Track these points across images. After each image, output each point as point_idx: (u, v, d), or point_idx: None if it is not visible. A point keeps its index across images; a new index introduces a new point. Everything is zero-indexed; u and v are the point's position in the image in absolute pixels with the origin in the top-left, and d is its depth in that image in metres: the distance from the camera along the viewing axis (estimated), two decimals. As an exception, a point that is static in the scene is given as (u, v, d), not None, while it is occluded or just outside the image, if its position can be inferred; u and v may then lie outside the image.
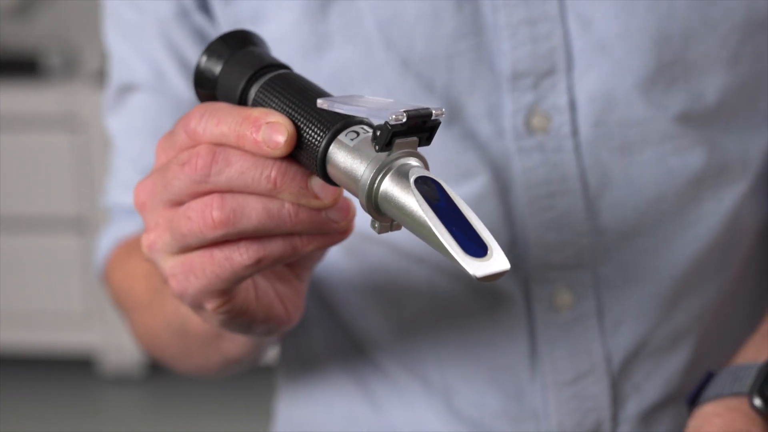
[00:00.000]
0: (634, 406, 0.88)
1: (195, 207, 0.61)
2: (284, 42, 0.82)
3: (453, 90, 0.82)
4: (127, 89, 0.92)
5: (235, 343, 0.81)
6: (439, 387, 0.89)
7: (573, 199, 0.83)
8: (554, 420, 0.87)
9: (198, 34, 0.88)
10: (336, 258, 0.89)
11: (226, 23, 0.86)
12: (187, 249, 0.63)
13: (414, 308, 0.88)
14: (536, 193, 0.83)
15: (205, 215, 0.60)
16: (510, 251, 0.85)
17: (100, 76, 3.39)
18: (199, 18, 0.88)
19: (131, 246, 0.93)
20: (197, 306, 0.66)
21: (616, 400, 0.88)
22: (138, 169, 0.92)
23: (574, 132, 0.83)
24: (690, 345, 0.89)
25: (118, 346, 3.34)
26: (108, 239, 0.95)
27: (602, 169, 0.83)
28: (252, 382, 2.94)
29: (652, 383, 0.88)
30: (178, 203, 0.63)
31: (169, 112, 0.90)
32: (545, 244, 0.84)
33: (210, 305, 0.65)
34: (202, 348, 0.84)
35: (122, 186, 0.94)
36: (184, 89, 0.89)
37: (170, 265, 0.64)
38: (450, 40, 0.82)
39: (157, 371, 3.33)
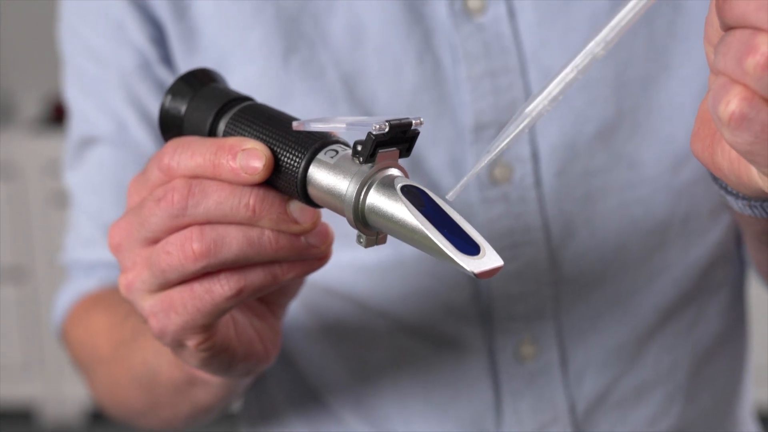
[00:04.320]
0: None
1: (174, 241, 0.60)
2: (248, 92, 0.82)
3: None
4: (87, 143, 0.91)
5: (208, 390, 0.80)
6: None
7: (536, 250, 0.84)
8: None
9: (160, 86, 0.88)
10: (296, 312, 0.89)
11: None
12: (166, 285, 0.62)
13: (376, 363, 0.88)
14: (499, 244, 0.83)
15: (185, 248, 0.60)
16: (473, 303, 0.85)
17: (37, 124, 3.36)
18: (161, 70, 0.88)
19: (92, 301, 0.92)
20: (178, 344, 0.65)
21: None
22: (98, 225, 0.91)
23: (537, 182, 0.83)
24: (657, 398, 0.89)
25: (58, 398, 3.29)
26: (66, 296, 0.94)
27: (565, 219, 0.84)
28: None
29: None
30: (155, 240, 0.62)
31: (130, 166, 0.89)
32: (508, 295, 0.85)
33: (191, 342, 0.64)
34: (172, 398, 0.83)
35: (82, 242, 0.93)
36: (147, 142, 0.89)
37: (150, 303, 0.63)
38: (412, 94, 0.82)
39: (98, 422, 3.29)
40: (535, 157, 0.83)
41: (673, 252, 0.86)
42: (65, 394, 3.27)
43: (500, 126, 0.82)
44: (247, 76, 0.83)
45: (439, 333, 0.86)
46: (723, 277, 0.90)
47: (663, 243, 0.86)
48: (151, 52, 0.87)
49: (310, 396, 0.91)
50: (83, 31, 0.90)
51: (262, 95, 0.82)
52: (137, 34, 0.87)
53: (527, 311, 0.85)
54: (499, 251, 0.83)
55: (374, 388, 0.88)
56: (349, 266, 0.85)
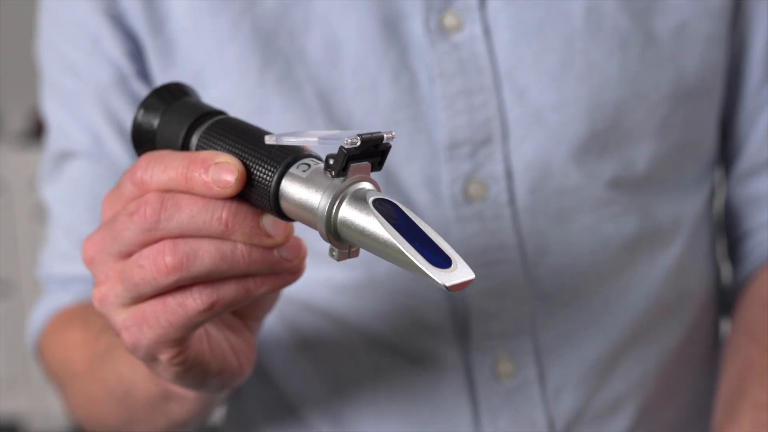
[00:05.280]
0: None
1: (147, 254, 0.60)
2: (225, 107, 0.82)
3: (390, 159, 0.82)
4: (64, 156, 0.91)
5: (183, 405, 0.80)
6: None
7: (512, 267, 0.84)
8: None
9: (137, 101, 0.88)
10: (274, 327, 0.89)
11: None
12: (139, 299, 0.62)
13: (354, 379, 0.88)
14: (475, 262, 0.84)
15: (157, 262, 0.60)
16: (449, 320, 0.85)
17: (23, 138, 3.36)
18: (137, 85, 0.88)
19: (67, 316, 0.91)
20: (151, 358, 0.65)
21: None
22: (74, 240, 0.91)
23: (511, 200, 0.83)
24: (631, 410, 0.89)
25: (44, 412, 3.28)
26: (42, 311, 0.94)
27: (539, 236, 0.84)
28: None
29: None
30: (128, 254, 0.62)
31: (106, 180, 0.89)
32: (485, 312, 0.85)
33: (164, 356, 0.64)
34: (148, 413, 0.83)
35: (58, 256, 0.93)
36: (123, 156, 0.89)
37: (123, 317, 0.63)
38: (388, 111, 0.82)
39: (84, 436, 3.27)
40: (509, 175, 0.83)
41: (642, 267, 0.88)
42: (51, 408, 3.26)
43: (474, 144, 0.83)
44: (224, 91, 0.84)
45: (416, 350, 0.86)
46: (687, 288, 0.91)
47: (633, 259, 0.87)
48: (127, 67, 0.87)
49: (288, 411, 0.91)
50: (60, 45, 0.90)
51: (239, 110, 0.82)
52: (114, 49, 0.87)
53: (504, 329, 0.85)
54: (475, 269, 0.83)
55: (352, 404, 0.88)
56: (324, 284, 0.85)
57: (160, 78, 0.86)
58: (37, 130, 3.39)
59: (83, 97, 0.89)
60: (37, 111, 3.39)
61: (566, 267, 0.85)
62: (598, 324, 0.87)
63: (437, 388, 0.86)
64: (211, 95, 0.83)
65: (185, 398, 0.78)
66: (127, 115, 0.88)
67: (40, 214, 3.20)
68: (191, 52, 0.85)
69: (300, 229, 0.62)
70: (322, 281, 0.85)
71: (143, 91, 0.88)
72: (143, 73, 0.88)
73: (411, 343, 0.86)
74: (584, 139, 0.83)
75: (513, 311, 0.85)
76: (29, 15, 3.34)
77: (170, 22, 0.85)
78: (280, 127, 0.82)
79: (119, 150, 0.89)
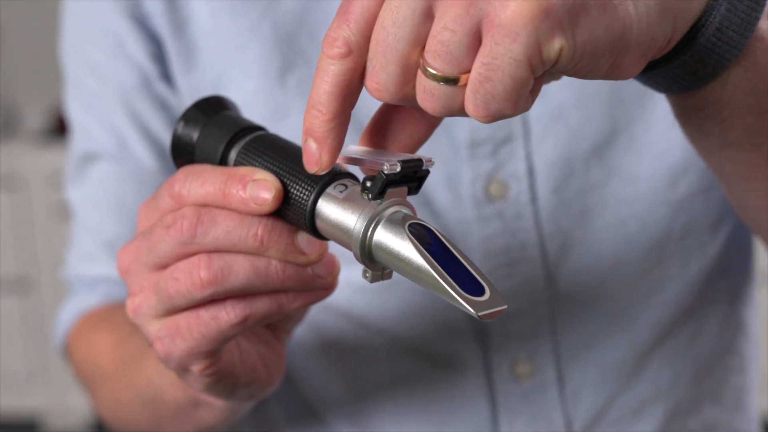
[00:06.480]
0: None
1: (182, 268, 0.61)
2: (245, 109, 0.82)
3: None
4: (88, 159, 0.92)
5: (212, 412, 0.80)
6: None
7: (532, 267, 0.84)
8: None
9: (160, 103, 0.88)
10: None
11: (187, 92, 0.86)
12: (173, 311, 0.63)
13: (374, 380, 0.88)
14: (495, 262, 0.83)
15: (192, 275, 0.60)
16: (469, 321, 0.85)
17: (41, 136, 3.37)
18: (161, 87, 0.88)
19: (95, 318, 0.92)
20: (183, 369, 0.65)
21: None
22: (99, 242, 0.91)
23: (533, 199, 0.83)
24: (657, 415, 0.89)
25: (62, 408, 3.29)
26: (69, 312, 0.94)
27: (562, 235, 0.84)
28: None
29: None
30: (164, 266, 0.62)
31: (131, 182, 0.89)
32: (505, 313, 0.84)
33: (196, 367, 0.64)
34: (176, 418, 0.83)
35: (83, 258, 0.93)
36: (147, 158, 0.89)
37: (156, 328, 0.64)
38: None
39: (102, 433, 3.29)
40: (531, 173, 0.83)
41: (672, 267, 0.86)
42: (69, 405, 3.27)
43: (496, 142, 0.83)
44: (244, 93, 0.84)
45: (436, 351, 0.86)
46: (724, 290, 0.90)
47: (661, 258, 0.86)
48: (151, 69, 0.88)
49: (307, 412, 0.91)
50: (84, 46, 0.90)
51: (259, 112, 0.83)
52: (137, 51, 0.88)
53: (523, 329, 0.85)
54: (495, 269, 0.84)
55: (372, 405, 0.89)
56: (345, 285, 0.85)
57: (182, 80, 0.87)
58: (55, 128, 3.40)
59: (107, 98, 0.90)
60: (56, 109, 3.41)
61: (588, 267, 0.84)
62: (620, 326, 0.86)
63: (456, 389, 0.86)
64: (233, 97, 0.83)
65: (214, 406, 0.78)
66: (151, 118, 0.89)
67: (57, 211, 3.21)
68: (212, 54, 0.85)
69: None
70: (342, 282, 0.85)
71: (167, 94, 0.88)
72: (166, 76, 0.89)
73: (430, 344, 0.86)
74: (607, 134, 0.83)
75: (533, 312, 0.85)
76: (47, 13, 3.35)
77: (192, 24, 0.85)
78: (300, 129, 0.82)
79: (143, 152, 0.90)
